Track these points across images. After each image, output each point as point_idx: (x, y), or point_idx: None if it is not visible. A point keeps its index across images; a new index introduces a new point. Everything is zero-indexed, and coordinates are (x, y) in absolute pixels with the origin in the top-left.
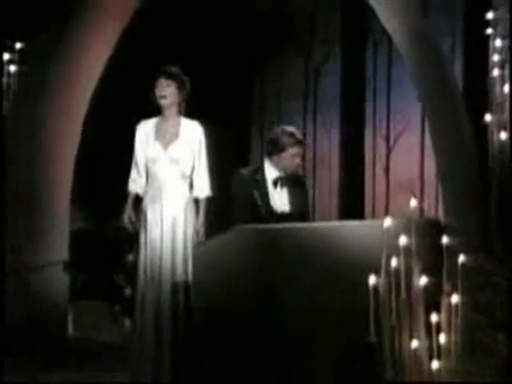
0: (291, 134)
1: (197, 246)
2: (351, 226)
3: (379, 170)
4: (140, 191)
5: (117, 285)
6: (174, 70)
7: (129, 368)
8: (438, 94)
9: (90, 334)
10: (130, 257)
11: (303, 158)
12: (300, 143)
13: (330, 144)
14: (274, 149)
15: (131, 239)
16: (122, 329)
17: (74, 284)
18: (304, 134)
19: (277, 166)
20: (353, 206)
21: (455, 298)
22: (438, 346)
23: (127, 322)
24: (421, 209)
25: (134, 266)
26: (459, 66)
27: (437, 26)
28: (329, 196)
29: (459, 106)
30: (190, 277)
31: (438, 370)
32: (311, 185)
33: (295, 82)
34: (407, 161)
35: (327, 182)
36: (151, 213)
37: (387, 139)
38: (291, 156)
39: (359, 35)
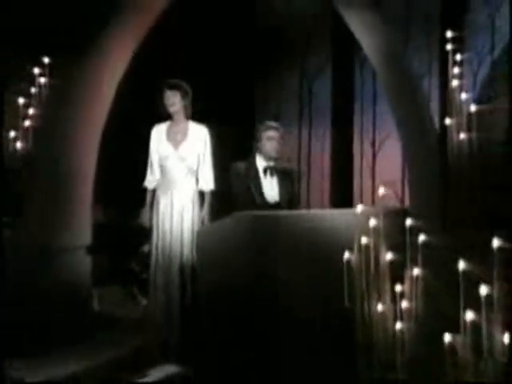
0: (267, 123)
1: (201, 229)
2: (337, 213)
3: (366, 171)
4: (154, 187)
5: (133, 271)
6: (176, 81)
7: (145, 335)
8: (405, 102)
9: (112, 310)
10: (145, 247)
11: (282, 143)
12: (274, 128)
13: (322, 148)
14: (256, 138)
15: (146, 232)
16: (139, 306)
17: (95, 272)
18: (299, 138)
19: (261, 153)
20: (342, 202)
21: (416, 271)
22: (401, 310)
23: (143, 300)
24: (402, 201)
25: (148, 255)
26: (436, 80)
27: (413, 44)
28: (321, 193)
29: (425, 112)
30: (196, 258)
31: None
32: (306, 183)
33: (291, 92)
34: (391, 163)
35: (320, 180)
36: (163, 203)
37: (373, 144)
38: (267, 139)
39: (348, 52)
